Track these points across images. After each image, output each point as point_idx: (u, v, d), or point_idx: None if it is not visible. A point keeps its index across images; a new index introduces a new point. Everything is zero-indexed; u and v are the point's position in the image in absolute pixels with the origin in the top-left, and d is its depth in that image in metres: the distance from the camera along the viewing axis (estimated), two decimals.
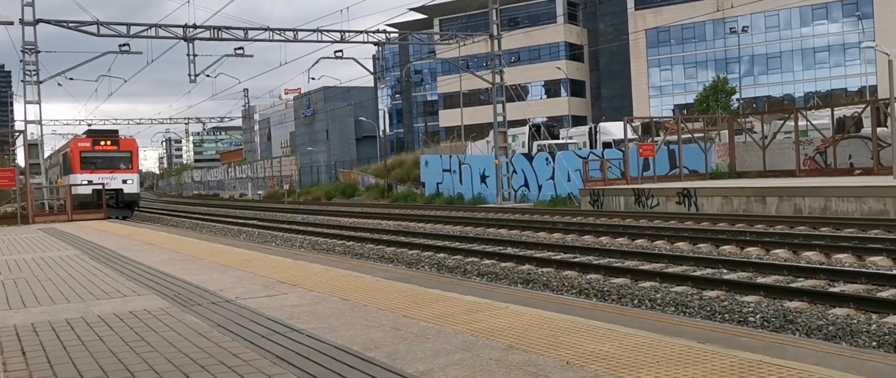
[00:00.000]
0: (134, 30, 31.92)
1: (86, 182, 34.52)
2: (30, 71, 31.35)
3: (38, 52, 31.23)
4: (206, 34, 33.17)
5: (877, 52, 42.36)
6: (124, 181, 37.25)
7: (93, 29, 30.83)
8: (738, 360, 4.12)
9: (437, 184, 44.74)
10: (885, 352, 7.54)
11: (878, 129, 30.14)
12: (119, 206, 36.53)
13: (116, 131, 40.85)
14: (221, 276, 8.79)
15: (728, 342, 4.58)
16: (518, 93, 49.07)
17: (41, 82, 32.16)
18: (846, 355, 4.28)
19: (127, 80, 43.08)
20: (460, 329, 5.25)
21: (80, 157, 36.68)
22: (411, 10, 75.19)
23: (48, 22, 30.71)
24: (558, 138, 48.67)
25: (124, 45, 32.79)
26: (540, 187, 37.58)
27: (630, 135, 35.23)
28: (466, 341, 4.88)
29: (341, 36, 35.24)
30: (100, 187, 33.44)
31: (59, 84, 40.06)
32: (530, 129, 48.28)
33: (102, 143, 37.30)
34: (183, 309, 6.69)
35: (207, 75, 41.49)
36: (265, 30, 34.12)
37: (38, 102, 31.76)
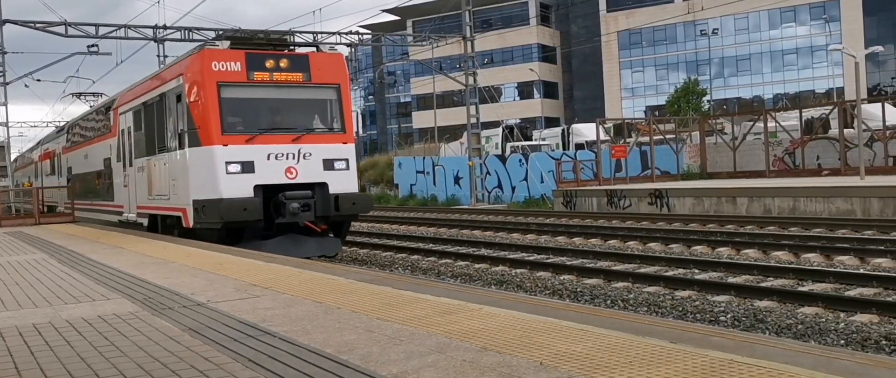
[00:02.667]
0: (103, 30, 31.52)
1: (238, 167, 14.59)
2: None
3: (5, 53, 30.75)
4: (177, 35, 32.84)
5: (843, 55, 42.95)
6: (329, 164, 15.47)
7: (60, 29, 30.41)
8: (709, 359, 4.15)
9: (411, 185, 44.69)
10: (853, 350, 7.64)
11: (845, 131, 30.63)
12: (317, 223, 15.23)
13: (287, 41, 18.03)
14: (192, 279, 8.70)
15: (699, 342, 4.61)
16: (491, 94, 49.20)
17: (7, 83, 31.64)
18: (815, 354, 4.33)
19: (96, 81, 42.53)
20: (434, 331, 5.24)
21: (220, 100, 14.93)
22: (384, 11, 75.15)
23: (15, 22, 30.24)
24: (531, 140, 48.90)
25: (93, 45, 32.35)
26: (513, 188, 37.68)
27: (602, 136, 35.51)
28: (440, 343, 4.87)
29: (314, 37, 35.09)
30: (278, 181, 14.80)
31: (26, 86, 39.35)
32: (504, 130, 48.45)
33: (269, 64, 15.35)
34: (153, 313, 6.61)
35: None
36: (237, 30, 33.86)
37: (5, 104, 31.25)
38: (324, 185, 15.22)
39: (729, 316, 9.62)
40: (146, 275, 9.29)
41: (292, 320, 5.90)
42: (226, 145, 14.73)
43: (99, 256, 12.03)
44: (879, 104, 32.61)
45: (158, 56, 33.05)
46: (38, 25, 30.45)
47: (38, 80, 38.28)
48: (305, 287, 7.61)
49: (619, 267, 13.67)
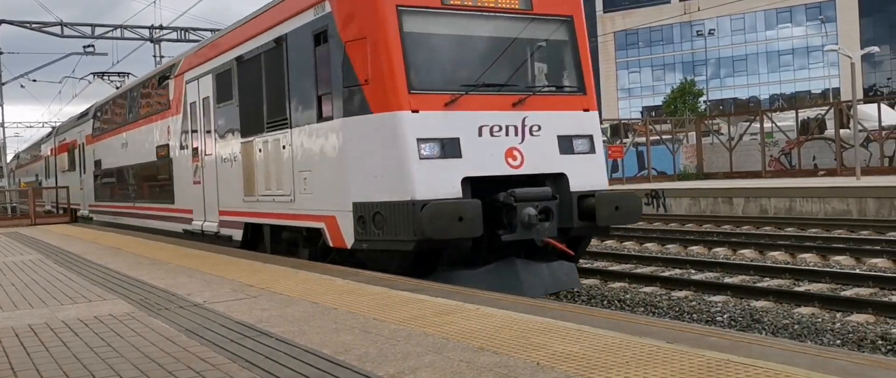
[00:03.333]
0: (99, 31, 31.54)
1: (436, 147, 8.88)
2: None
3: (1, 53, 30.73)
4: (173, 35, 32.87)
5: (839, 55, 43.04)
6: (567, 144, 9.72)
7: (56, 30, 30.40)
8: (706, 359, 4.16)
9: None
10: (849, 350, 7.65)
11: (841, 131, 30.72)
12: (564, 239, 9.52)
13: None
14: (189, 279, 8.69)
15: (696, 342, 4.62)
16: None
17: (3, 84, 31.61)
18: (811, 354, 4.33)
19: (92, 81, 42.42)
20: (431, 331, 5.24)
21: (403, 36, 9.02)
22: None
23: (10, 23, 30.22)
24: None
25: (89, 46, 32.37)
26: None
27: None
28: (437, 343, 4.87)
29: None
30: (495, 172, 9.17)
31: (22, 86, 39.29)
32: None
33: None
34: (150, 313, 6.60)
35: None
36: None
37: (1, 105, 31.21)
38: (561, 179, 9.70)
39: (725, 316, 9.63)
40: (142, 276, 9.28)
41: (289, 321, 5.90)
42: (416, 111, 9.01)
43: (95, 257, 12.01)
44: (875, 105, 32.70)
45: (155, 56, 33.07)
46: (33, 26, 30.43)
47: (34, 81, 38.31)
48: (302, 288, 7.60)
49: (616, 267, 13.67)
